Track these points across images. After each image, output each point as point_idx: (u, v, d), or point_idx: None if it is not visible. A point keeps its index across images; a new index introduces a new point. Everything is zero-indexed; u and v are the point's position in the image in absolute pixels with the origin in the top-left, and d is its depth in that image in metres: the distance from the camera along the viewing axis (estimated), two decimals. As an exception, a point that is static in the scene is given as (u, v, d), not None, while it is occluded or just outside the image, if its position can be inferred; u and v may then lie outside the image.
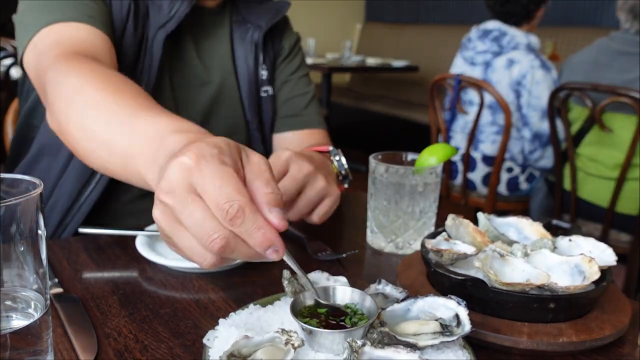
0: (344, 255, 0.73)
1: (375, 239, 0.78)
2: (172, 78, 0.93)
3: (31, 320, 0.43)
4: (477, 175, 2.34)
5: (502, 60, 2.18)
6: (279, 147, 1.04)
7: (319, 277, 0.56)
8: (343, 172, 0.82)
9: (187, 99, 0.94)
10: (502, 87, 2.17)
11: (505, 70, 2.17)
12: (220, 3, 0.98)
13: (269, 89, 1.02)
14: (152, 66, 0.86)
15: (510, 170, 2.29)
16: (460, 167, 2.38)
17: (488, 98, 2.19)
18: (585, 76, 1.86)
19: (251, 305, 0.54)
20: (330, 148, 0.84)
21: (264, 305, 0.54)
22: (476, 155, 2.31)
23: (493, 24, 2.24)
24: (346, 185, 0.84)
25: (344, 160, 0.82)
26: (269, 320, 0.52)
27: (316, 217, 0.73)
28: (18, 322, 0.43)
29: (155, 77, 0.87)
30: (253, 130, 1.01)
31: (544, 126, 2.14)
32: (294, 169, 0.70)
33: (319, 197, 0.72)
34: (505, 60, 2.17)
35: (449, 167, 2.42)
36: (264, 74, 1.02)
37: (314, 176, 0.71)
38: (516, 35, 2.17)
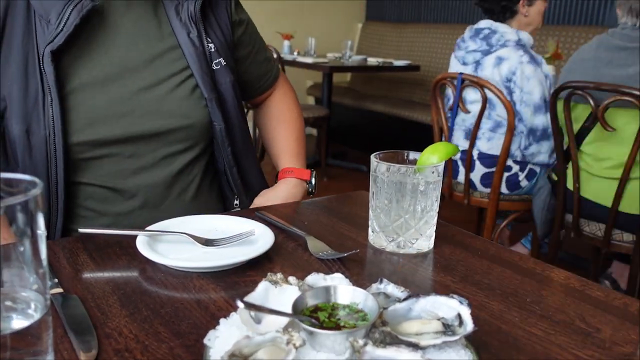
0: (345, 254, 0.72)
1: (377, 238, 0.78)
2: (97, 78, 0.90)
3: (31, 321, 0.43)
4: (475, 175, 2.35)
5: (491, 58, 2.19)
6: (261, 114, 1.21)
7: (316, 279, 0.56)
8: (310, 189, 1.10)
9: (120, 93, 0.91)
10: (493, 84, 2.18)
11: (494, 68, 2.18)
12: None
13: (221, 60, 1.00)
14: (50, 85, 0.84)
15: (508, 168, 2.29)
16: (460, 166, 2.38)
17: (487, 93, 2.20)
18: (586, 74, 1.85)
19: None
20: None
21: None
22: (474, 152, 2.31)
23: (484, 23, 2.26)
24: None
25: (313, 181, 1.10)
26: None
27: None
28: (18, 322, 0.42)
29: (57, 93, 0.84)
30: (213, 109, 0.97)
31: (537, 121, 2.16)
32: None
33: None
34: (494, 58, 2.19)
35: (451, 167, 2.42)
36: (211, 46, 0.98)
37: None
38: (506, 32, 2.18)
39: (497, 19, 2.25)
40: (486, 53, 2.20)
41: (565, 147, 2.00)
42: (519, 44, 2.18)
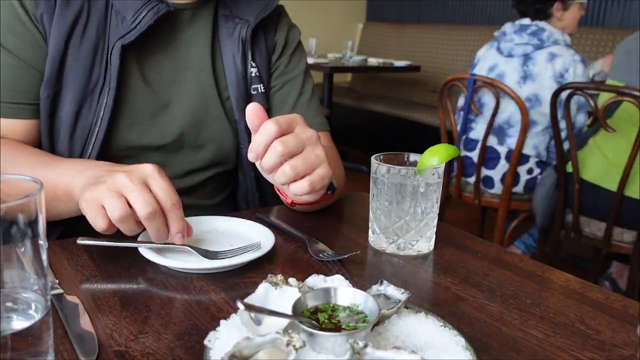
0: (346, 256, 0.72)
1: (377, 239, 0.78)
2: (148, 81, 0.92)
3: (32, 322, 0.43)
4: (497, 173, 2.33)
5: (543, 53, 2.20)
6: None
7: (316, 280, 0.56)
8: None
9: (164, 101, 0.94)
10: (543, 79, 2.19)
11: (548, 63, 2.19)
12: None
13: (260, 86, 0.99)
14: (112, 76, 0.87)
15: (530, 171, 2.29)
16: (476, 162, 2.37)
17: (527, 91, 2.20)
18: (617, 60, 1.85)
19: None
20: None
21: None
22: (501, 149, 2.30)
23: (528, 21, 2.27)
24: (328, 192, 0.78)
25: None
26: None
27: (308, 183, 0.68)
28: (19, 323, 0.43)
29: (116, 86, 0.87)
30: (241, 131, 0.98)
31: (579, 118, 2.17)
32: (299, 129, 0.68)
33: (317, 163, 0.69)
34: (547, 53, 2.19)
35: (460, 166, 2.41)
36: (253, 71, 0.98)
37: (316, 142, 0.69)
38: (554, 32, 2.21)
39: (533, 20, 2.26)
40: (538, 47, 2.21)
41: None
42: (567, 45, 2.21)
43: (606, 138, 1.93)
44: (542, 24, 2.23)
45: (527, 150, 2.25)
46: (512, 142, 2.29)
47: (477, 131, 2.37)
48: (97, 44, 0.88)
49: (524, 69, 2.23)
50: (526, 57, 2.23)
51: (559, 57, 2.17)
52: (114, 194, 0.65)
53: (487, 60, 2.37)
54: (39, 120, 0.89)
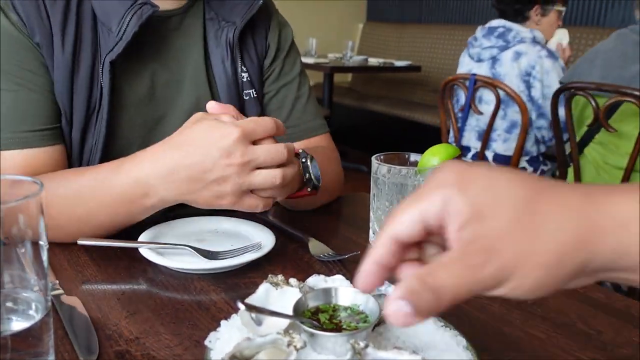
0: (346, 256, 0.72)
1: (378, 239, 0.78)
2: (143, 96, 0.88)
3: (32, 322, 0.43)
4: None
5: (509, 53, 2.20)
6: None
7: (317, 281, 0.56)
8: (307, 175, 0.78)
9: (161, 113, 0.89)
10: (511, 79, 2.18)
11: (513, 62, 2.18)
12: (186, 3, 0.90)
13: (252, 91, 0.95)
14: (104, 95, 0.82)
15: (522, 170, 2.29)
16: None
17: (500, 94, 2.20)
18: (610, 68, 1.84)
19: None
20: (300, 151, 0.79)
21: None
22: (488, 154, 2.31)
23: (497, 22, 2.27)
24: (309, 190, 0.79)
25: (309, 164, 0.78)
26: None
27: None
28: (19, 324, 0.42)
29: (108, 104, 0.82)
30: None
31: (559, 113, 2.16)
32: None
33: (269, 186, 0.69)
34: (512, 52, 2.19)
35: None
36: (244, 76, 0.94)
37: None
38: (520, 30, 2.20)
39: (510, 21, 2.26)
40: (503, 49, 2.21)
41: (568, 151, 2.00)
42: (535, 41, 2.19)
43: (598, 148, 1.93)
44: (509, 24, 2.23)
45: (513, 152, 2.25)
46: (496, 145, 2.29)
47: (467, 138, 2.38)
48: (92, 65, 0.83)
49: (492, 72, 2.23)
50: (494, 60, 2.24)
51: (524, 55, 2.16)
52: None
53: (463, 67, 2.40)
54: (64, 146, 0.83)
